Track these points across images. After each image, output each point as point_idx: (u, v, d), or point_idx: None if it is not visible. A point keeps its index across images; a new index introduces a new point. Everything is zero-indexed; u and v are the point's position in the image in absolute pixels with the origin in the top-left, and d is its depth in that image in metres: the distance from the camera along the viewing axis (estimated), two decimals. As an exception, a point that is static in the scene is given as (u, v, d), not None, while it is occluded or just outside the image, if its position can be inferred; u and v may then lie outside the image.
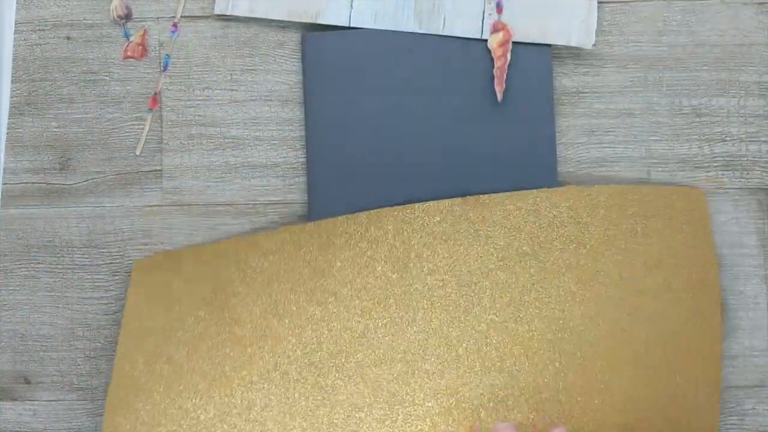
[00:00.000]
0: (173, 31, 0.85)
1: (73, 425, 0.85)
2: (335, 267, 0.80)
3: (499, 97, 0.83)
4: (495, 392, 0.80)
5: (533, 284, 0.81)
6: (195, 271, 0.81)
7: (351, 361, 0.79)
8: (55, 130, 0.86)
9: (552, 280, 0.81)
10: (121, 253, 0.85)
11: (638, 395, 0.81)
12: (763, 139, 0.85)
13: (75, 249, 0.85)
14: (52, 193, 0.86)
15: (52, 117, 0.86)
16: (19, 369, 0.85)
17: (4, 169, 0.86)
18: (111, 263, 0.85)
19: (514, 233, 0.82)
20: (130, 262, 0.85)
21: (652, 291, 0.82)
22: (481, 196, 0.82)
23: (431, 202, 0.81)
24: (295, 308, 0.80)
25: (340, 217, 0.81)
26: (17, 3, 0.86)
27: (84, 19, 0.86)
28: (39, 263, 0.85)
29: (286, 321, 0.79)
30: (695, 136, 0.86)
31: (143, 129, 0.85)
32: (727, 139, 0.86)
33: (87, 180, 0.85)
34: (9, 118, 0.86)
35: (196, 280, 0.81)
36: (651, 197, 0.83)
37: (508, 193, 0.82)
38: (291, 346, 0.79)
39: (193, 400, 0.79)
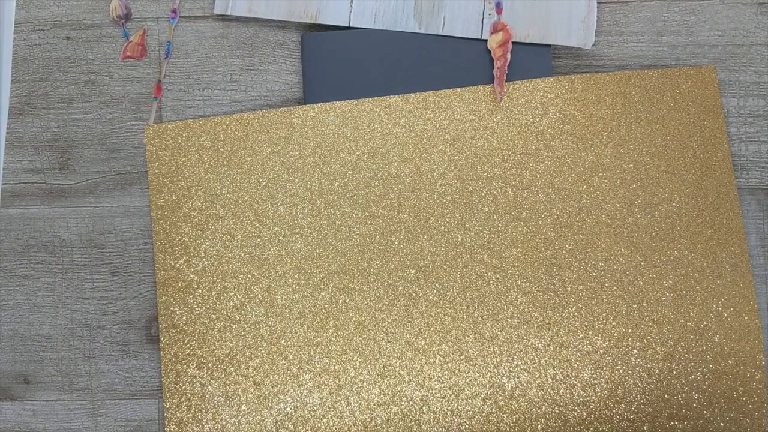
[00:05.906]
0: (173, 18, 0.85)
1: (73, 425, 0.85)
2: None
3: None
4: (496, 290, 0.82)
5: (532, 184, 0.82)
6: (208, 137, 0.83)
7: (372, 268, 0.82)
8: (55, 130, 0.86)
9: (552, 178, 0.82)
10: (121, 253, 0.85)
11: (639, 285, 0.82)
12: (763, 139, 0.85)
13: (75, 249, 0.85)
14: (51, 193, 0.85)
15: (51, 117, 0.86)
16: (18, 369, 0.85)
17: (4, 169, 0.86)
18: (111, 263, 0.85)
19: (523, 132, 0.83)
20: (130, 261, 0.85)
21: (654, 178, 0.83)
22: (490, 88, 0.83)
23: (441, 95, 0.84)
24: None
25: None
26: (17, 3, 0.86)
27: (84, 19, 0.86)
28: (39, 263, 0.85)
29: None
30: (695, 136, 0.86)
31: (150, 118, 0.85)
32: (727, 139, 0.86)
33: (87, 180, 0.85)
34: (9, 118, 0.86)
35: (211, 146, 0.83)
36: (657, 81, 0.84)
37: (515, 84, 0.84)
38: (323, 261, 0.83)
39: (238, 296, 0.82)
